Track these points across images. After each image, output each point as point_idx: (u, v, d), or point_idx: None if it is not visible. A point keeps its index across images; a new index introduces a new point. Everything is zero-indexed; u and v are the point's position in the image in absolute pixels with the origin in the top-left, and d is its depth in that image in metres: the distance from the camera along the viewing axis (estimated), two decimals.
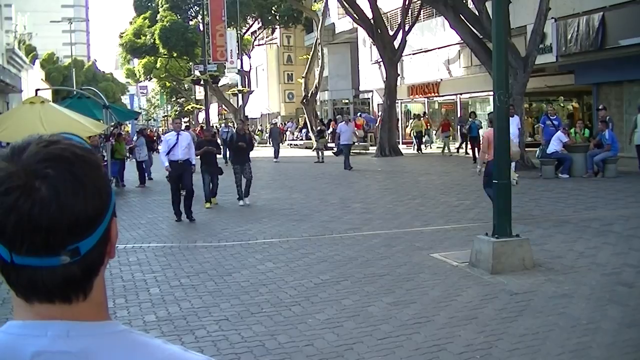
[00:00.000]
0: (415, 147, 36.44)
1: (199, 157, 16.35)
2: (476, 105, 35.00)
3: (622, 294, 7.84)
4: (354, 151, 36.93)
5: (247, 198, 17.11)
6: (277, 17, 50.58)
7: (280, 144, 37.72)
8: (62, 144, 1.16)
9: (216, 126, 49.66)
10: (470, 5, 24.29)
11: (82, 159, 1.16)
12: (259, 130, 63.06)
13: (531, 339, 6.44)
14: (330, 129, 42.45)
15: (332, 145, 38.33)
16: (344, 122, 29.45)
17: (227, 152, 30.16)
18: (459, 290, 8.34)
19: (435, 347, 6.31)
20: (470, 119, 28.16)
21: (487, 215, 11.93)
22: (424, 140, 37.04)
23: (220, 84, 55.74)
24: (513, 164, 13.45)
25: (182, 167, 14.69)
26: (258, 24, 54.97)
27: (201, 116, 69.33)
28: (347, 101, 53.50)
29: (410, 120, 39.13)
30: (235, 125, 30.46)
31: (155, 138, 40.23)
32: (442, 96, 38.25)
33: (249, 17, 51.85)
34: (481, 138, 16.61)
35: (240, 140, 17.07)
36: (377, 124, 38.47)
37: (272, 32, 60.30)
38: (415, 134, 36.80)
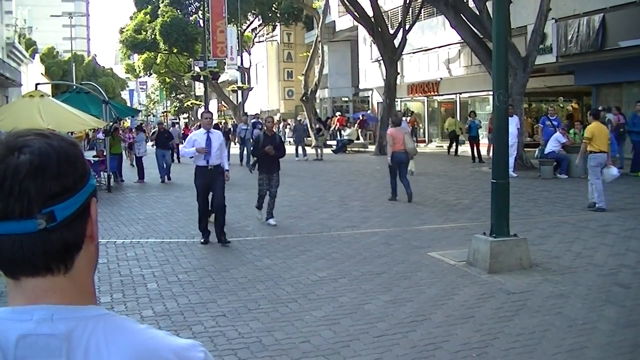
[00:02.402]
0: (453, 148, 31.18)
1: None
2: (475, 104, 35.00)
3: (619, 295, 7.87)
4: (353, 149, 37.07)
5: (272, 219, 13.52)
6: (278, 14, 50.55)
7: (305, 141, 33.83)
8: (42, 129, 1.28)
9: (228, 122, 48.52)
10: (471, 4, 24.29)
11: (59, 136, 1.26)
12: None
13: (527, 338, 6.45)
14: (332, 127, 42.37)
15: (332, 143, 38.37)
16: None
17: (244, 154, 28.66)
18: (456, 289, 8.36)
19: (431, 346, 6.32)
20: (470, 118, 28.13)
21: (485, 215, 11.95)
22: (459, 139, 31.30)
23: (220, 80, 55.61)
24: (412, 163, 17.08)
25: (212, 175, 11.63)
26: (258, 20, 54.91)
27: (200, 112, 69.28)
28: (346, 99, 53.52)
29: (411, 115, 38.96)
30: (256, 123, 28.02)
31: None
32: (442, 95, 38.26)
33: (249, 13, 51.82)
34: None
35: (268, 143, 13.25)
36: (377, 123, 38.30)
37: (273, 29, 60.24)
38: (448, 133, 32.58)
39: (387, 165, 16.50)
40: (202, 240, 11.77)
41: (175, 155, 29.79)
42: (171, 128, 38.76)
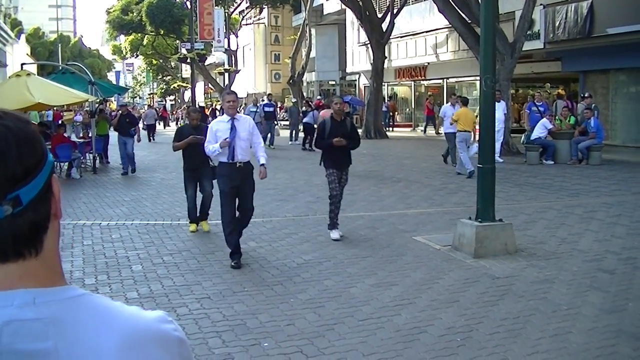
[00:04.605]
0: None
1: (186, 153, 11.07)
2: (463, 89, 35.01)
3: (603, 280, 7.90)
4: None
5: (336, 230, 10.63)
6: None
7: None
8: None
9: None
10: None
11: (13, 115, 1.21)
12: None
13: (512, 323, 6.47)
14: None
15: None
16: (449, 103, 20.93)
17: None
18: (441, 273, 8.37)
19: (416, 330, 6.33)
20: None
21: (470, 199, 11.97)
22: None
23: (206, 62, 55.46)
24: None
25: (240, 175, 9.08)
26: (246, 3, 54.60)
27: (187, 95, 69.01)
28: (333, 83, 53.42)
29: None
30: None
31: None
32: (429, 80, 38.27)
33: None
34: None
35: (337, 131, 10.38)
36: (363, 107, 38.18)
37: (260, 12, 59.99)
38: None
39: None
40: (233, 264, 8.82)
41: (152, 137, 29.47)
42: (147, 110, 38.16)
